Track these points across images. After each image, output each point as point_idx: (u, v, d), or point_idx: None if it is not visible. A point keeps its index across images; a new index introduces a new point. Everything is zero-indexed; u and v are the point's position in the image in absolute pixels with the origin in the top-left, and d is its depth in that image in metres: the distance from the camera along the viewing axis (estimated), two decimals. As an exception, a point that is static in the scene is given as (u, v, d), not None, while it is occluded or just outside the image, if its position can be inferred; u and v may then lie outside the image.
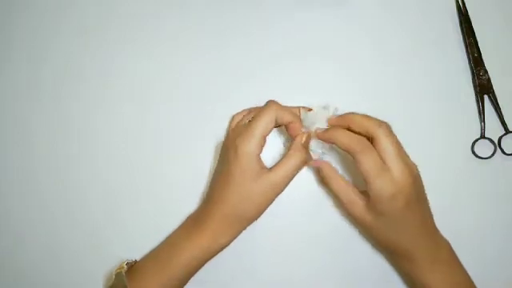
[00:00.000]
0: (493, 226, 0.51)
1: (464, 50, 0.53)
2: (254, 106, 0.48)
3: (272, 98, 0.45)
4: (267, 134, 0.43)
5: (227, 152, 0.43)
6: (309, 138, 0.44)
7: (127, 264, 0.45)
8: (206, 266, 0.45)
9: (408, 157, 0.41)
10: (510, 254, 0.50)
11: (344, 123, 0.43)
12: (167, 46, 0.54)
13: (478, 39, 0.52)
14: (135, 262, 0.46)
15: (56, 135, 0.54)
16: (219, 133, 0.52)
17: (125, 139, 0.53)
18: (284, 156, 0.44)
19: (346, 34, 0.54)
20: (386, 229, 0.42)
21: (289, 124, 0.44)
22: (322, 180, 0.44)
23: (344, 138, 0.41)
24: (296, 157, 0.43)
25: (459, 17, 0.53)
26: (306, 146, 0.44)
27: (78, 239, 0.52)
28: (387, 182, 0.39)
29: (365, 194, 0.42)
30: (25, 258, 0.52)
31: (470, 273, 0.44)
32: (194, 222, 0.46)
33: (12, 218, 0.53)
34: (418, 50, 0.54)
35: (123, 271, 0.43)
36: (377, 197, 0.40)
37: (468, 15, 0.53)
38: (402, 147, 0.41)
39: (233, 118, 0.48)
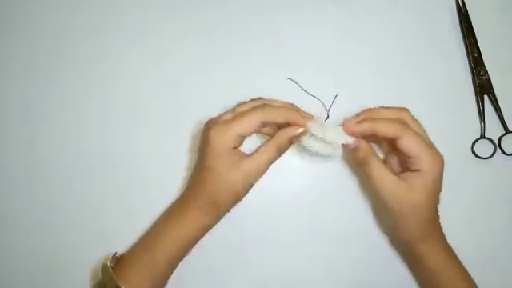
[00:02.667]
0: (493, 225, 0.51)
1: (464, 50, 0.53)
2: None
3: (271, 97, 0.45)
4: (247, 134, 0.42)
5: (203, 141, 0.43)
6: (304, 133, 0.43)
7: (113, 257, 0.45)
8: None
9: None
10: (510, 254, 0.50)
11: (370, 129, 0.42)
12: (171, 45, 0.54)
13: (478, 39, 0.52)
14: (122, 255, 0.46)
15: (58, 133, 0.53)
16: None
17: (124, 135, 0.53)
18: (262, 145, 0.43)
19: (346, 34, 0.54)
20: (419, 210, 0.42)
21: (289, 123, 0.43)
22: (358, 162, 0.43)
23: (384, 124, 0.42)
24: (276, 149, 0.43)
25: (459, 17, 0.53)
26: (292, 142, 0.43)
27: (66, 237, 0.52)
28: (437, 157, 0.42)
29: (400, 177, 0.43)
30: (12, 256, 0.52)
31: (470, 272, 0.44)
32: (173, 211, 0.46)
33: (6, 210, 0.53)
34: (418, 50, 0.54)
35: (108, 263, 0.44)
36: (428, 171, 0.41)
37: (468, 15, 0.53)
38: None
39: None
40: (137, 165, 0.52)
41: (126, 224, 0.49)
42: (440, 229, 0.45)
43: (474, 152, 0.52)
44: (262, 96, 0.46)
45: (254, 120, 0.42)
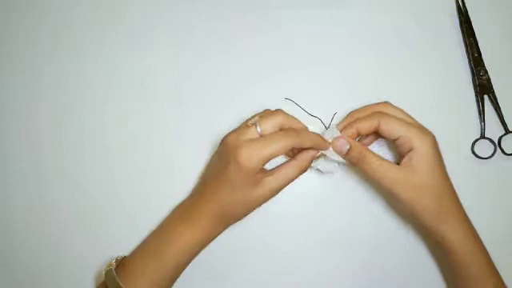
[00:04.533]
0: (493, 226, 0.50)
1: (464, 50, 0.53)
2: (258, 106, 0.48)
3: (278, 109, 0.46)
4: (275, 157, 0.43)
5: (229, 157, 0.42)
6: (321, 155, 0.46)
7: (116, 261, 0.45)
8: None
9: None
10: (511, 254, 0.50)
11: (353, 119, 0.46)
12: (172, 46, 0.54)
13: (478, 39, 0.52)
14: (123, 257, 0.46)
15: (59, 135, 0.54)
16: (220, 134, 0.52)
17: (125, 138, 0.53)
18: (285, 164, 0.44)
19: (346, 35, 0.54)
20: (429, 190, 0.43)
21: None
22: (356, 163, 0.44)
23: (362, 121, 0.44)
24: (298, 169, 0.44)
25: (459, 17, 0.53)
26: (312, 160, 0.45)
27: (67, 240, 0.52)
28: (425, 132, 0.43)
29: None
30: (13, 260, 0.52)
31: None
32: (183, 216, 0.46)
33: (9, 215, 0.53)
34: (418, 50, 0.54)
35: (113, 268, 0.43)
36: (420, 147, 0.42)
37: (468, 15, 0.53)
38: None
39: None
40: (139, 168, 0.52)
41: (127, 227, 0.50)
42: (460, 209, 0.45)
43: (474, 152, 0.52)
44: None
45: (284, 146, 0.42)
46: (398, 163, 0.44)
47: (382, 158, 0.44)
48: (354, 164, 0.45)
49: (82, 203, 0.52)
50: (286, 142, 0.42)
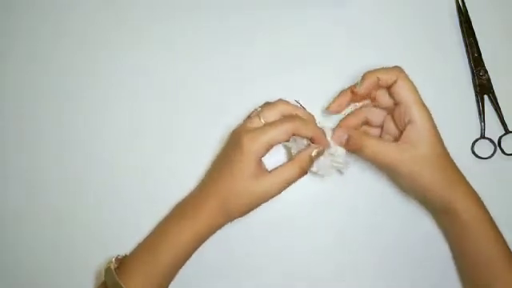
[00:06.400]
0: (493, 226, 0.51)
1: (464, 50, 0.53)
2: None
3: (280, 99, 0.46)
4: (277, 143, 0.43)
5: (232, 146, 0.43)
6: (320, 153, 0.45)
7: (116, 259, 0.45)
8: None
9: None
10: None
11: (371, 79, 0.45)
12: (172, 46, 0.55)
13: (478, 39, 0.52)
14: (124, 256, 0.46)
15: (59, 134, 0.54)
16: (220, 133, 0.52)
17: (125, 138, 0.53)
18: (287, 163, 0.44)
19: (346, 35, 0.54)
20: (432, 160, 0.43)
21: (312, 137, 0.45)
22: (357, 151, 0.45)
23: (383, 70, 0.45)
24: (298, 168, 0.44)
25: (459, 17, 0.53)
26: (312, 160, 0.45)
27: (68, 240, 0.52)
28: (426, 110, 0.44)
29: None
30: (19, 254, 0.52)
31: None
32: (183, 212, 0.46)
33: (9, 215, 0.53)
34: (418, 50, 0.54)
35: (112, 266, 0.43)
36: (419, 122, 0.43)
37: (468, 15, 0.53)
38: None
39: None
40: (139, 168, 0.53)
41: (127, 227, 0.50)
42: (464, 177, 0.45)
43: (474, 152, 0.52)
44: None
45: (286, 130, 0.43)
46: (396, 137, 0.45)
47: (380, 139, 0.44)
48: (355, 151, 0.45)
49: (82, 203, 0.52)
50: (286, 127, 0.42)
